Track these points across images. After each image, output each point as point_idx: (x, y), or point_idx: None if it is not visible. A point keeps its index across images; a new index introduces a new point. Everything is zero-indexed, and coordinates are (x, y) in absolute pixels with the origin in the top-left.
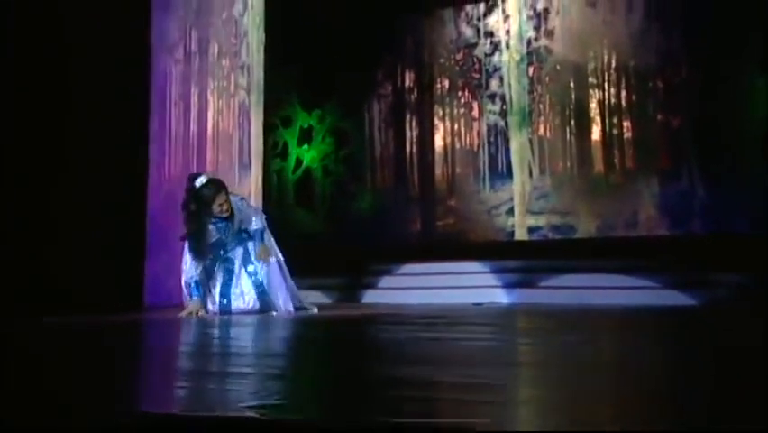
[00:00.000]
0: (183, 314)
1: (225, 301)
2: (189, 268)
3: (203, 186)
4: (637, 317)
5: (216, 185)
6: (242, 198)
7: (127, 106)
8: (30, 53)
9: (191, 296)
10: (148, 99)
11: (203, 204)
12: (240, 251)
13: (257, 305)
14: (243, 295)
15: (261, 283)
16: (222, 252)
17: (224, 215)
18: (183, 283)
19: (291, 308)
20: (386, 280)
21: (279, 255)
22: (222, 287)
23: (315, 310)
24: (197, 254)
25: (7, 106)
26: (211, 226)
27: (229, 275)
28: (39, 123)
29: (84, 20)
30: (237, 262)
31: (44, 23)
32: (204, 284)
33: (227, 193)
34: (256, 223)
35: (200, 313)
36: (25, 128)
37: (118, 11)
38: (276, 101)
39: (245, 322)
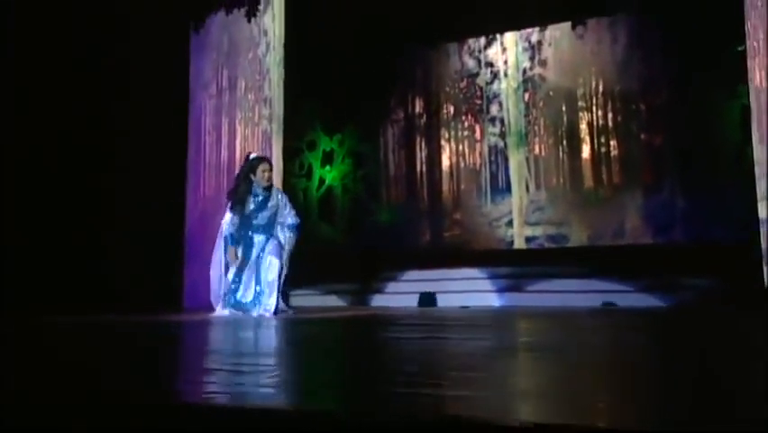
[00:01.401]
0: (225, 260)
1: (232, 299)
2: (228, 224)
3: (254, 158)
4: (621, 318)
5: (263, 157)
6: (285, 194)
7: (169, 136)
8: (90, 91)
9: (228, 245)
10: (186, 129)
11: (250, 169)
12: (263, 242)
13: (251, 303)
14: (247, 290)
15: (261, 289)
16: (250, 230)
17: (265, 183)
18: (222, 238)
19: (277, 311)
20: (393, 286)
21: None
22: (234, 276)
23: (291, 312)
24: (235, 206)
25: (70, 133)
26: (250, 198)
27: (244, 267)
28: (96, 152)
29: (137, 63)
30: (255, 252)
31: (103, 66)
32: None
33: (271, 166)
34: (293, 219)
35: (237, 260)
36: (85, 157)
37: (164, 55)
38: (301, 128)
39: (256, 323)
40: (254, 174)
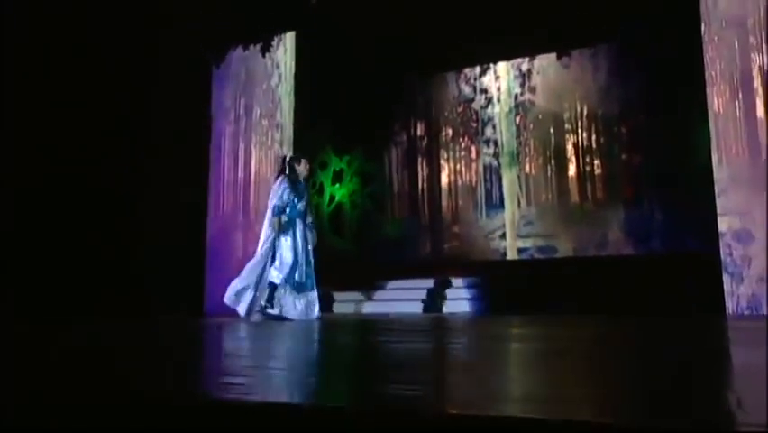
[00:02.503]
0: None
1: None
2: (278, 197)
3: (295, 155)
4: (606, 323)
5: (302, 156)
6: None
7: (193, 158)
8: (124, 118)
9: (275, 214)
10: (207, 152)
11: (294, 160)
12: (302, 230)
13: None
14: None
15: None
16: (294, 213)
17: (306, 173)
18: (271, 207)
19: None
20: (396, 293)
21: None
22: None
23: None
24: (290, 184)
25: (108, 156)
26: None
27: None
28: (128, 172)
29: (166, 94)
30: (300, 238)
31: (136, 98)
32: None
33: (311, 164)
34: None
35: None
36: (118, 177)
37: (189, 87)
38: (313, 149)
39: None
40: (298, 164)
